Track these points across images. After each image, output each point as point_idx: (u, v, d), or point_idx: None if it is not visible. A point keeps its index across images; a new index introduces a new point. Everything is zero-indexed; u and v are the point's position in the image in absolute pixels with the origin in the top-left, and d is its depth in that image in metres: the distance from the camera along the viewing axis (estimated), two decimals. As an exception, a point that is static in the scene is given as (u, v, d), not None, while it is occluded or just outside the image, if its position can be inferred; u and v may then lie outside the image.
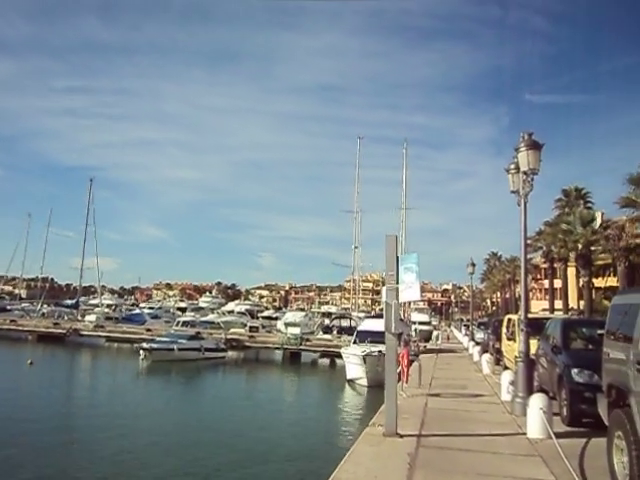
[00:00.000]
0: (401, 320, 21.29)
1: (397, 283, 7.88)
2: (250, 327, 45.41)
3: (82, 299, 61.06)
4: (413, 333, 36.03)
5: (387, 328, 7.91)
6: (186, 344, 32.80)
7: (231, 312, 59.72)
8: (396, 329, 7.98)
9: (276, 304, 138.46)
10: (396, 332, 8.06)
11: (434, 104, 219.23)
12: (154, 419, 17.83)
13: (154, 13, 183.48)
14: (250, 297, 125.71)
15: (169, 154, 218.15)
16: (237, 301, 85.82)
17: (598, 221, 38.37)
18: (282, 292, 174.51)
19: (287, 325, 41.88)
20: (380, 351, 19.41)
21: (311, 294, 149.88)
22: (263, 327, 48.00)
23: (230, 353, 36.99)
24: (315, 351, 37.04)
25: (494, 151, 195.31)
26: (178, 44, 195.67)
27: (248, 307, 64.52)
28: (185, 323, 43.08)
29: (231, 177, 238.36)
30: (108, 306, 58.79)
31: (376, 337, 20.57)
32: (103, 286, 76.20)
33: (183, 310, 63.52)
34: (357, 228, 55.84)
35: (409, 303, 44.68)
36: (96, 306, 56.33)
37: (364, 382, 22.75)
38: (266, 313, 64.22)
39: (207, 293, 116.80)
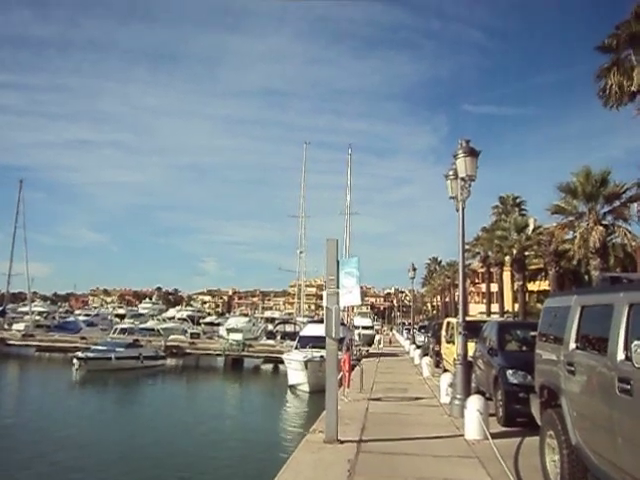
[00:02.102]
0: (343, 325, 21.27)
1: (338, 288, 7.81)
2: (191, 334, 44.34)
3: (10, 306, 57.55)
4: (356, 337, 36.27)
5: (328, 333, 7.82)
6: (123, 352, 31.58)
7: (172, 318, 58.23)
8: (337, 334, 7.90)
9: (219, 310, 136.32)
10: (337, 337, 7.99)
11: (377, 111, 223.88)
12: (86, 433, 16.94)
13: (93, 9, 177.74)
14: (192, 303, 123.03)
15: (108, 156, 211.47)
16: (178, 307, 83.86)
17: (531, 227, 40.07)
18: (225, 297, 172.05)
19: (229, 331, 41.20)
20: (322, 356, 19.34)
21: (255, 299, 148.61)
22: (205, 333, 47.01)
23: (169, 361, 35.94)
24: (258, 357, 36.61)
25: (434, 159, 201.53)
26: (118, 42, 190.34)
27: (189, 313, 63.16)
28: (123, 330, 41.47)
29: (173, 180, 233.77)
30: (39, 313, 55.82)
31: (318, 342, 20.50)
32: (34, 292, 72.41)
33: (122, 317, 61.36)
34: (302, 233, 55.81)
35: (352, 307, 44.96)
36: (26, 314, 53.30)
37: (306, 388, 22.62)
38: (208, 319, 63.07)
39: (147, 299, 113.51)
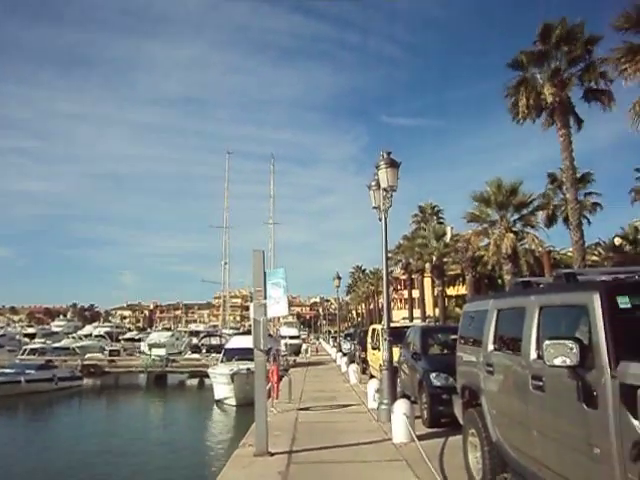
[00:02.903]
0: (270, 335, 21.12)
1: (265, 299, 7.78)
2: (110, 351, 42.18)
3: None
4: (283, 347, 36.14)
5: (255, 345, 7.75)
6: (35, 375, 29.43)
7: (89, 336, 55.30)
8: (265, 345, 7.85)
9: (140, 325, 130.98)
10: (265, 349, 7.94)
11: (299, 121, 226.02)
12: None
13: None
14: (110, 318, 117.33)
15: (13, 163, 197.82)
16: (95, 323, 79.74)
17: (449, 235, 41.94)
18: (146, 312, 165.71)
19: (151, 346, 39.59)
20: (249, 368, 19.09)
21: (178, 312, 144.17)
22: (125, 350, 44.91)
23: (87, 381, 34.01)
24: (182, 372, 35.52)
25: (355, 168, 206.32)
26: (24, 44, 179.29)
27: (108, 329, 60.19)
28: (33, 351, 38.71)
29: (89, 190, 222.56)
30: None
31: (244, 354, 20.22)
32: None
33: (32, 336, 57.31)
34: (226, 243, 55.07)
35: (278, 318, 44.83)
36: None
37: (233, 402, 22.20)
38: (128, 335, 60.34)
39: (61, 316, 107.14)
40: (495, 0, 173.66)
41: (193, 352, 40.69)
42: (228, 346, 27.82)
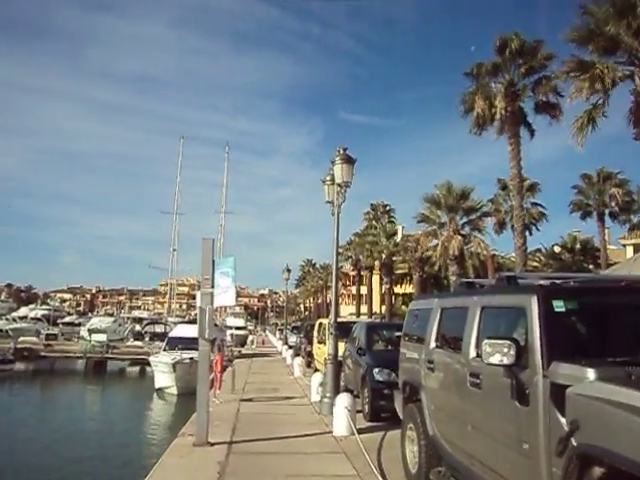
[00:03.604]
0: (215, 325, 20.91)
1: (212, 287, 7.69)
2: (47, 335, 40.50)
3: None
4: (228, 338, 35.85)
5: (200, 334, 7.66)
6: None
7: (24, 318, 52.89)
8: (210, 335, 7.77)
9: (80, 309, 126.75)
10: (210, 338, 7.86)
11: (255, 110, 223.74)
12: None
13: None
14: (49, 301, 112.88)
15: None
16: (32, 305, 76.32)
17: (399, 234, 42.72)
18: (88, 296, 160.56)
19: (92, 332, 38.34)
20: (192, 358, 18.83)
21: (122, 298, 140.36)
22: (63, 335, 43.29)
23: (19, 365, 32.57)
24: (123, 359, 34.62)
25: (310, 162, 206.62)
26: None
27: (45, 312, 57.73)
28: (-39, 332, 36.78)
29: (29, 165, 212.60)
30: None
31: (188, 343, 19.92)
32: None
33: (-40, 317, 54.33)
34: (176, 230, 53.95)
35: (225, 308, 44.39)
36: None
37: (174, 391, 21.87)
38: (67, 319, 58.19)
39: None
40: (457, 6, 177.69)
41: (136, 339, 39.71)
42: (172, 334, 27.37)
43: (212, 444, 7.66)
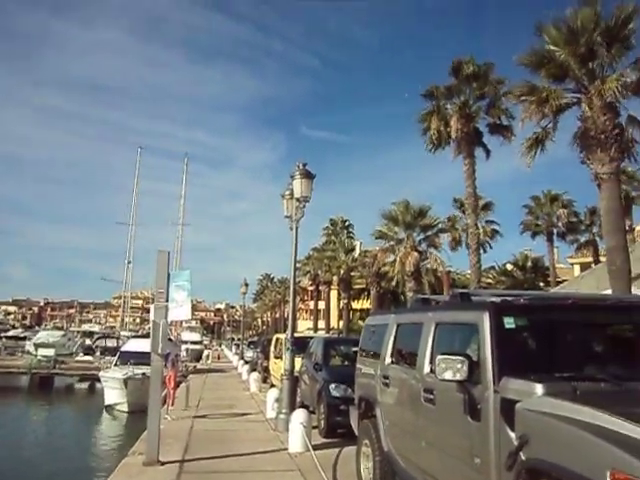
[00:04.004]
0: (170, 340, 20.42)
1: (167, 301, 7.53)
2: (-12, 349, 38.61)
3: None
4: (183, 353, 35.08)
5: (153, 349, 7.46)
6: None
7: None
8: (163, 350, 7.58)
9: (27, 322, 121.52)
10: (163, 353, 7.66)
11: (214, 122, 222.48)
12: None
13: None
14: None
15: None
16: (-27, 319, 72.74)
17: (357, 250, 43.06)
18: (35, 308, 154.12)
19: (38, 346, 36.68)
20: (144, 373, 18.30)
21: (72, 311, 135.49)
22: (6, 349, 41.27)
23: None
24: (72, 375, 33.25)
25: (271, 176, 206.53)
26: None
27: (-15, 325, 55.10)
28: None
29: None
30: None
31: (141, 358, 19.34)
32: None
33: None
34: (132, 242, 52.71)
35: (180, 322, 43.51)
36: None
37: (125, 407, 21.15)
38: (12, 332, 55.57)
39: None
40: (414, 27, 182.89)
41: (86, 354, 38.28)
42: (124, 349, 26.54)
43: (163, 463, 7.44)
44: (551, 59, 14.08)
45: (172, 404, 13.13)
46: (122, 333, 47.30)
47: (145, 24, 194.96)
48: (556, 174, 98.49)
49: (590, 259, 33.31)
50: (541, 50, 14.30)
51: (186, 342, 44.09)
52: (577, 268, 35.67)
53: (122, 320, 57.62)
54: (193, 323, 67.26)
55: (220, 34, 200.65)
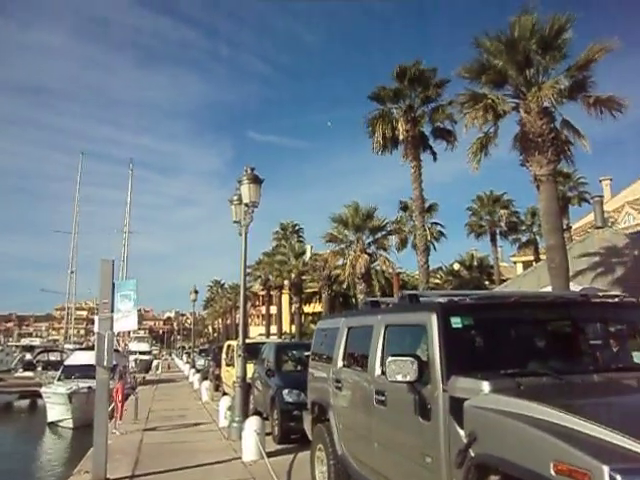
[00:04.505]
0: (116, 351, 19.70)
1: (112, 311, 7.28)
2: None
3: None
4: (132, 364, 34.05)
5: (98, 362, 7.19)
6: None
7: None
8: (109, 362, 7.31)
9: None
10: (109, 365, 7.39)
11: (161, 128, 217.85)
12: None
13: None
14: None
15: None
16: None
17: (308, 254, 43.12)
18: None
19: (-29, 363, 34.76)
20: (90, 387, 17.61)
21: (10, 325, 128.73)
22: None
23: None
24: (10, 392, 31.60)
25: (219, 182, 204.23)
26: None
27: None
28: None
29: None
30: None
31: (86, 371, 18.60)
32: None
33: None
34: (74, 251, 50.74)
35: (128, 332, 42.20)
36: None
37: (70, 424, 20.27)
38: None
39: None
40: (364, 32, 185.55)
41: (26, 369, 36.43)
42: (68, 362, 25.46)
43: (111, 480, 7.18)
44: (490, 67, 14.59)
45: (120, 418, 12.70)
46: (66, 346, 45.38)
47: (89, 26, 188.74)
48: (499, 176, 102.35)
49: (531, 257, 34.70)
50: (481, 58, 14.80)
51: (134, 353, 42.86)
52: (520, 266, 37.10)
53: (66, 332, 55.28)
54: (141, 333, 65.52)
55: (167, 38, 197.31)
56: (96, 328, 7.49)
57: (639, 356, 4.49)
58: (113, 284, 7.51)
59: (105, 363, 7.24)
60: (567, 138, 14.85)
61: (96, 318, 7.60)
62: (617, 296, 4.73)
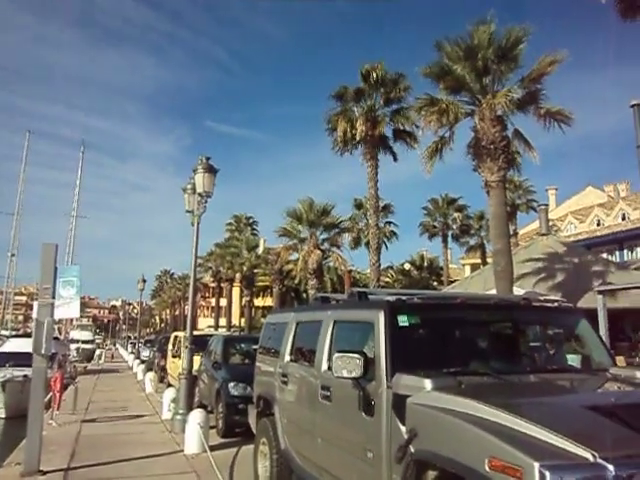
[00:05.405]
0: (56, 339, 18.98)
1: (53, 298, 7.00)
2: None
3: None
4: (74, 352, 32.92)
5: (36, 349, 6.91)
6: None
7: None
8: (47, 350, 7.04)
9: None
10: (47, 353, 7.11)
11: (115, 110, 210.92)
12: None
13: None
14: None
15: None
16: None
17: (261, 247, 42.91)
18: None
19: None
20: (26, 375, 16.93)
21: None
22: None
23: None
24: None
25: (174, 169, 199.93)
26: None
27: None
28: None
29: None
30: None
31: (22, 359, 17.83)
32: None
33: None
34: (16, 233, 48.58)
35: (70, 320, 40.80)
36: None
37: (2, 414, 19.44)
38: None
39: None
40: (329, 27, 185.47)
41: (-44, 357, 34.66)
42: (2, 350, 24.38)
43: (45, 472, 6.91)
44: (449, 72, 14.90)
45: (58, 408, 12.25)
46: (2, 332, 43.45)
47: (44, 1, 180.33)
48: (453, 179, 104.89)
49: (479, 260, 35.80)
50: (441, 63, 15.09)
51: (76, 341, 41.46)
52: (468, 268, 38.23)
53: (2, 318, 52.84)
54: (84, 321, 63.49)
55: (126, 18, 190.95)
56: (34, 314, 7.18)
57: (573, 359, 4.71)
58: (55, 269, 7.22)
59: (43, 351, 6.96)
60: (517, 148, 15.39)
61: (35, 304, 7.28)
62: (556, 301, 4.92)
